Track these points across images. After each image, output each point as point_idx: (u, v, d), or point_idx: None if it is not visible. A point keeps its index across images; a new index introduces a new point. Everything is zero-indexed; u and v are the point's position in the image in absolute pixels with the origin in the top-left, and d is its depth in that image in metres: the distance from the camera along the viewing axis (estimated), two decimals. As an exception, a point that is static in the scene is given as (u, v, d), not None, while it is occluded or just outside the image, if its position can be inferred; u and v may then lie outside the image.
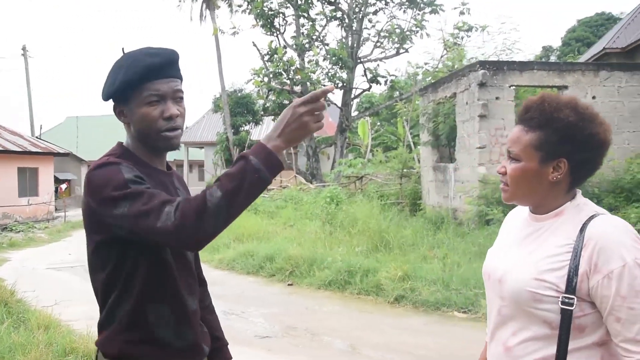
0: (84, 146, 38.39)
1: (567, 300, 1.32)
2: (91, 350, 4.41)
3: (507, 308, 1.44)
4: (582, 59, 19.57)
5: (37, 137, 27.73)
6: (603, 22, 37.73)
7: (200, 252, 1.75)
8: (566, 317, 1.32)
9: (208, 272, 6.04)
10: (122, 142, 1.65)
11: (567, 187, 1.44)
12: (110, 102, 1.60)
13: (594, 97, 9.94)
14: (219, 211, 1.32)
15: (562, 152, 1.39)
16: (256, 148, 1.37)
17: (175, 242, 1.37)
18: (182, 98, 1.59)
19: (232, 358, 1.89)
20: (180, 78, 1.60)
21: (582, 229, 1.35)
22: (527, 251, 1.43)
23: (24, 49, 31.11)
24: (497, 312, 1.48)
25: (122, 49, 1.62)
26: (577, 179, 1.44)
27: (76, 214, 25.32)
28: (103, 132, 40.46)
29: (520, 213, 1.60)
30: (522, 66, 10.06)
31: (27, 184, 21.53)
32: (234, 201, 1.33)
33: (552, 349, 1.35)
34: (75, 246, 13.57)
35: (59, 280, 9.16)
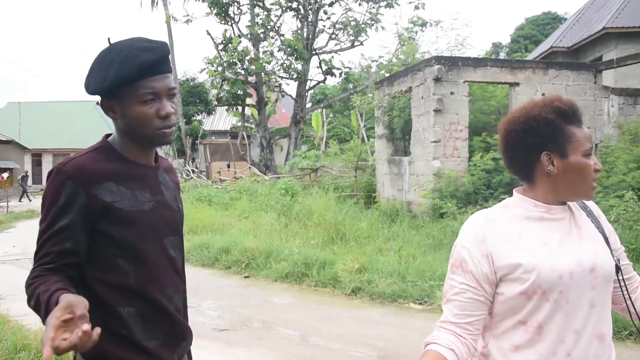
0: (27, 133, 36.87)
1: (619, 256, 1.61)
2: (44, 346, 4.26)
3: (598, 295, 1.48)
4: (531, 56, 20.20)
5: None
6: (549, 21, 39.09)
7: None
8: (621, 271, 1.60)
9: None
10: (109, 135, 1.63)
11: None
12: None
13: (543, 94, 10.23)
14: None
15: None
16: None
17: None
18: (174, 94, 1.58)
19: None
20: (171, 71, 1.59)
21: (584, 207, 1.63)
22: (586, 236, 1.55)
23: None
24: (588, 306, 1.46)
25: (109, 39, 1.54)
26: None
27: (19, 204, 24.33)
28: (47, 119, 39.01)
29: (512, 212, 1.56)
30: (476, 62, 10.28)
31: (-35, 172, 20.54)
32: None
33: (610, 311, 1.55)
34: (19, 238, 13.02)
35: (4, 274, 8.78)
